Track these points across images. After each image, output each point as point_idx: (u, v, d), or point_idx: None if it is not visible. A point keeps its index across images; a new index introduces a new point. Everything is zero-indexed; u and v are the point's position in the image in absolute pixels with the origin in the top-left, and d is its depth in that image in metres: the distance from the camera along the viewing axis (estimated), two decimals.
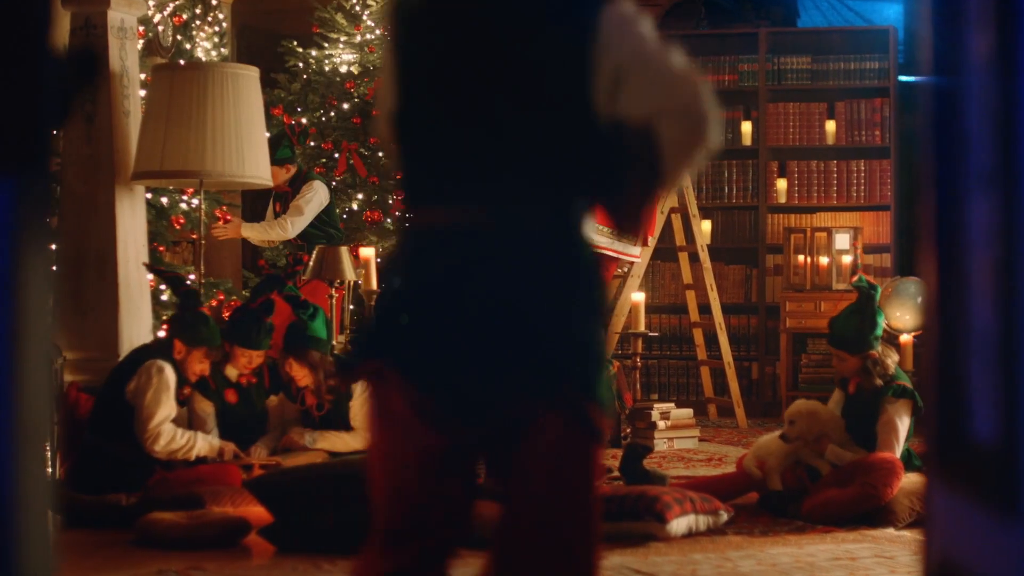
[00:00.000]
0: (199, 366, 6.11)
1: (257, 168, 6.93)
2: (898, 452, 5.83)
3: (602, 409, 2.47)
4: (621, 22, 2.46)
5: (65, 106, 1.48)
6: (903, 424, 5.88)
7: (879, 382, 5.93)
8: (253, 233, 8.23)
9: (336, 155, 9.77)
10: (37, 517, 1.43)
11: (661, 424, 8.31)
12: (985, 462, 1.61)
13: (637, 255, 9.52)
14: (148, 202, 7.39)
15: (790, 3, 11.99)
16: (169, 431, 5.95)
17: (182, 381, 6.07)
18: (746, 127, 10.82)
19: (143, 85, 7.31)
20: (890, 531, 5.48)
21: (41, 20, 1.46)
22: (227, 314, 7.25)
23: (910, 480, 5.73)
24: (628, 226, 2.63)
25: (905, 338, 8.45)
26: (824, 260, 10.18)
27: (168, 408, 5.96)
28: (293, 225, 8.11)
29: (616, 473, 6.06)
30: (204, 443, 6.05)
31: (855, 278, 6.42)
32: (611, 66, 2.44)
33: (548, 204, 2.50)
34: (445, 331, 2.46)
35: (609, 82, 2.45)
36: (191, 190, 7.83)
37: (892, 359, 5.99)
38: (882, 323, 6.03)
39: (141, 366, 5.97)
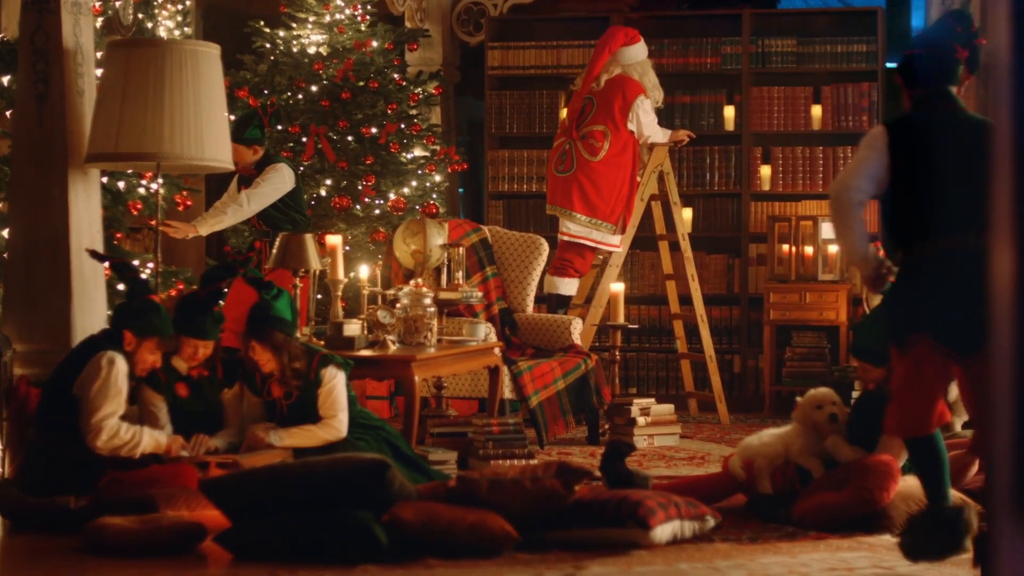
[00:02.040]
0: (151, 357, 5.79)
1: (217, 151, 6.57)
2: (901, 462, 5.51)
3: None
4: None
5: None
6: None
7: None
8: (207, 227, 7.83)
9: (304, 139, 9.44)
10: None
11: (641, 420, 8.02)
12: None
13: (616, 244, 9.21)
14: (104, 186, 7.04)
15: None
16: (112, 426, 5.60)
17: (132, 375, 5.73)
18: (729, 112, 10.49)
19: (98, 64, 6.96)
20: (887, 538, 5.17)
21: None
22: None
23: (906, 484, 5.42)
24: None
25: None
26: (809, 250, 9.90)
27: (115, 403, 5.62)
28: (250, 201, 7.73)
29: (597, 474, 5.75)
30: (150, 439, 5.70)
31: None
32: None
33: None
34: (958, 308, 4.58)
35: None
36: (150, 174, 7.48)
37: None
38: None
39: (91, 358, 5.64)
